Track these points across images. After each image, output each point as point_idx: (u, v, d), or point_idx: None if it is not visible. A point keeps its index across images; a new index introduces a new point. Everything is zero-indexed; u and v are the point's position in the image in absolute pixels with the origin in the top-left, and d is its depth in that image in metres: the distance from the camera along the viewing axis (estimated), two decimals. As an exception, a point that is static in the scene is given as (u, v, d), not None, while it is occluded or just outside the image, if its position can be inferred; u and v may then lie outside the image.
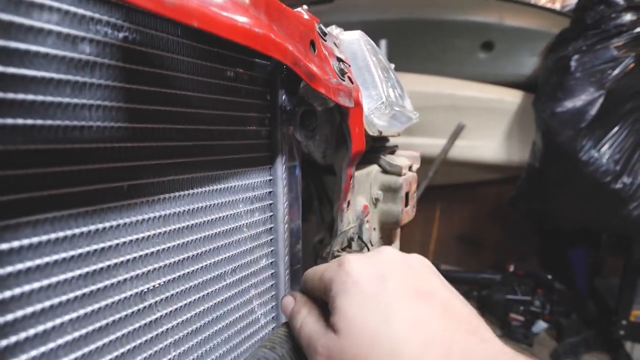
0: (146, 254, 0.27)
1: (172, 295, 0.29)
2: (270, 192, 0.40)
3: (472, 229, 2.00)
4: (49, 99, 0.20)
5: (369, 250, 0.56)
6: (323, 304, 0.31)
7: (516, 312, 1.51)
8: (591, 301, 1.64)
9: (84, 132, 0.22)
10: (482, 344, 0.25)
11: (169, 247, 0.29)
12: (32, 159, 0.20)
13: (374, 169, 0.59)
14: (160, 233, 0.28)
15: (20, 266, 0.20)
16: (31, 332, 0.20)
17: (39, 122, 0.20)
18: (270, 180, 0.40)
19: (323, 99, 0.38)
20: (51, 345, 0.21)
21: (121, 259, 0.25)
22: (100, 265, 0.24)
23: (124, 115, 0.25)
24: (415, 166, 0.69)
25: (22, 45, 0.19)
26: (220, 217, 0.34)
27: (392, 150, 0.70)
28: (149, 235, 0.27)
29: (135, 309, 0.26)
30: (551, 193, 1.39)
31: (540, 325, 1.51)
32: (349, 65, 0.48)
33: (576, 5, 1.33)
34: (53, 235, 0.21)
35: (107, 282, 0.24)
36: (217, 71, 0.33)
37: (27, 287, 0.20)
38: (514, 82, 1.61)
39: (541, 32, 1.53)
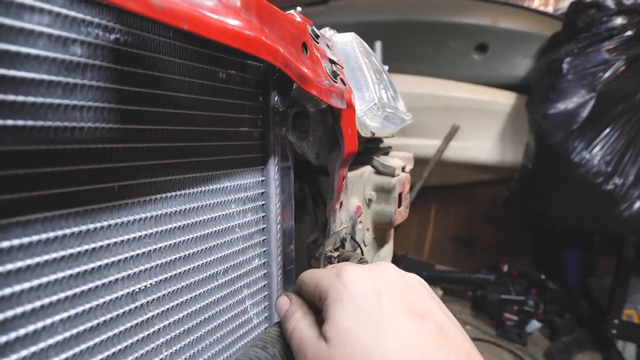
0: (137, 254, 0.27)
1: (163, 295, 0.29)
2: (262, 193, 0.40)
3: (466, 229, 2.02)
4: (40, 100, 0.21)
5: (362, 250, 0.57)
6: (317, 309, 0.31)
7: (510, 311, 1.53)
8: (584, 301, 1.66)
9: (74, 133, 0.22)
10: None
11: (160, 248, 0.29)
12: (22, 160, 0.20)
13: (368, 169, 0.60)
14: (151, 233, 0.28)
15: (10, 266, 0.20)
16: (21, 332, 0.20)
17: (30, 123, 0.20)
18: (262, 181, 0.40)
19: (315, 100, 0.39)
20: (42, 345, 0.21)
21: (112, 259, 0.25)
22: (92, 265, 0.24)
23: (115, 117, 0.25)
24: (409, 167, 0.69)
25: (13, 47, 0.19)
26: (212, 217, 0.34)
27: (386, 152, 0.70)
28: (140, 236, 0.27)
29: (126, 308, 0.26)
30: (544, 194, 1.40)
31: (534, 325, 1.52)
32: (342, 67, 0.48)
33: (568, 8, 1.35)
34: (44, 236, 0.21)
35: (98, 282, 0.24)
36: (209, 73, 0.33)
37: (17, 287, 0.20)
38: (508, 83, 1.63)
39: (534, 34, 1.55)
